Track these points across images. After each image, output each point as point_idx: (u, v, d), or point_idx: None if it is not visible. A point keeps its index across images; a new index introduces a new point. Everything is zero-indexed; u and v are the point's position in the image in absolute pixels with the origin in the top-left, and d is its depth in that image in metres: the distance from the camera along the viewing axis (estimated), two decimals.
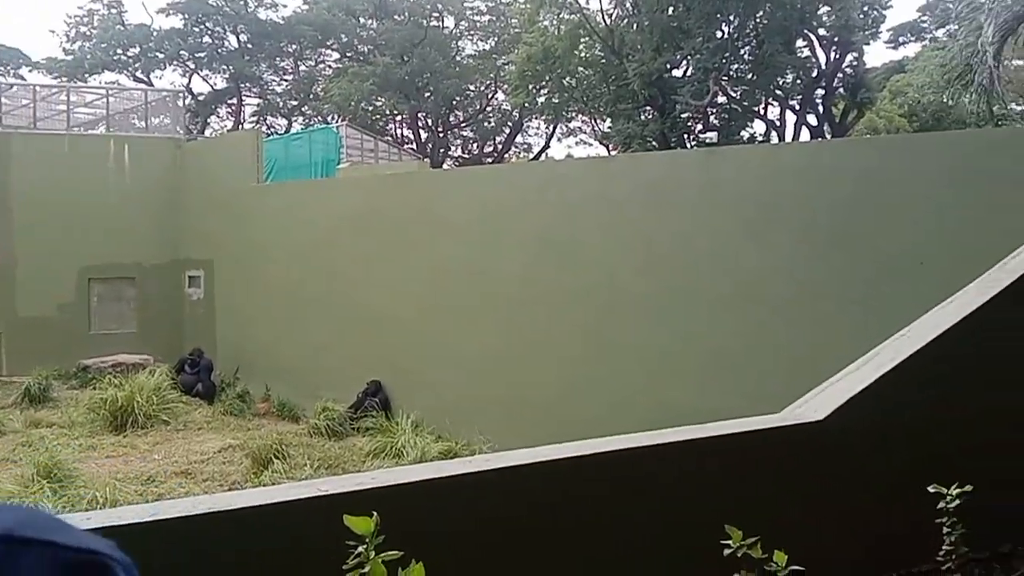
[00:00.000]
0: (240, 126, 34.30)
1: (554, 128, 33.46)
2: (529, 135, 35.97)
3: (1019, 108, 23.26)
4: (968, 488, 3.97)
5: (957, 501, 3.95)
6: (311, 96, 35.31)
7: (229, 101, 35.70)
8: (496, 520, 3.52)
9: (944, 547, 3.94)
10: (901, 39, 30.26)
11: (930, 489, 4.00)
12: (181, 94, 23.77)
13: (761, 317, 8.82)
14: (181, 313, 16.36)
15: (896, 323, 5.74)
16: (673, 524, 3.89)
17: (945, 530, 3.96)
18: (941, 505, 4.01)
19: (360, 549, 3.04)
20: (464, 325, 11.43)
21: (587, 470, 3.73)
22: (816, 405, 4.44)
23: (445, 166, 29.63)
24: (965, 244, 7.36)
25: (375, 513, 3.04)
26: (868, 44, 24.16)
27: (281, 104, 36.00)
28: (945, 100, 20.56)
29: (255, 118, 35.54)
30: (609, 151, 26.60)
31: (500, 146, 35.15)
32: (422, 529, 3.25)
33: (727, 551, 3.56)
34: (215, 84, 35.16)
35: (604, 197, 10.30)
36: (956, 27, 18.89)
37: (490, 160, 33.31)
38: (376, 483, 3.37)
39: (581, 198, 10.49)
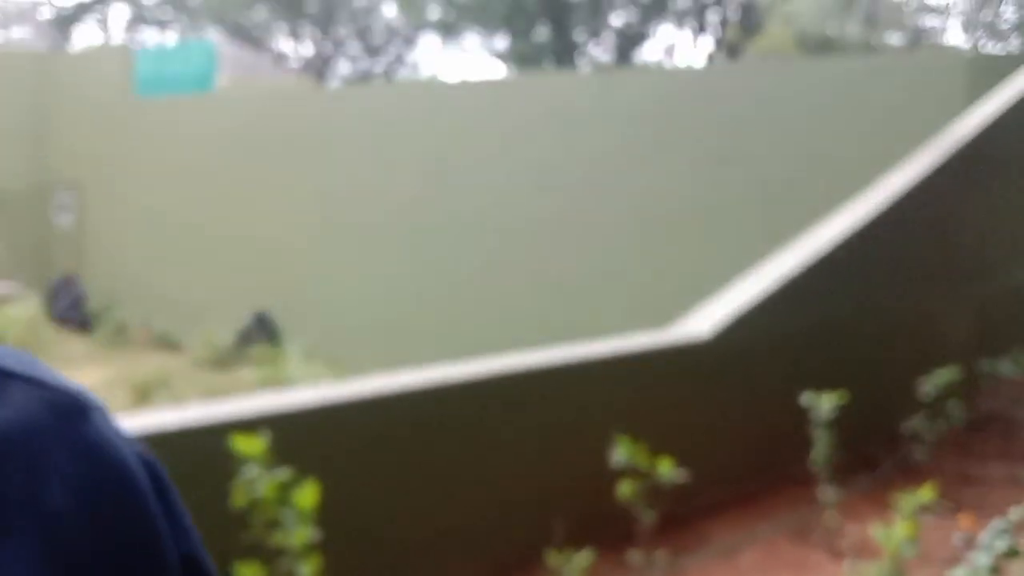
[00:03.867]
0: (109, 39, 32.18)
1: (445, 46, 32.64)
2: (419, 53, 35.02)
3: (895, 39, 23.99)
4: (838, 398, 4.11)
5: (828, 410, 4.10)
6: (185, 6, 33.32)
7: (97, 11, 33.35)
8: (386, 441, 3.41)
9: (815, 451, 4.11)
10: None
11: (801, 401, 4.15)
12: (43, 4, 22.07)
13: (652, 238, 8.90)
14: (50, 239, 15.41)
15: (779, 241, 5.84)
16: (564, 439, 3.87)
17: (815, 436, 4.13)
18: (813, 414, 4.16)
19: (249, 470, 2.90)
20: (355, 250, 11.13)
21: (478, 390, 3.66)
22: (703, 321, 4.48)
23: (331, 83, 28.64)
24: (845, 166, 7.54)
25: (265, 434, 2.90)
26: None
27: (153, 15, 33.87)
28: (829, 31, 21.00)
29: (126, 30, 33.38)
30: (503, 69, 26.20)
31: (389, 64, 34.13)
32: (313, 451, 3.12)
33: (616, 459, 3.60)
34: None
35: (499, 120, 10.09)
36: None
37: (380, 79, 32.33)
38: (265, 406, 3.21)
39: (476, 121, 10.25)
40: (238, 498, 2.82)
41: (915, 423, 4.80)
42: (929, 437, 4.77)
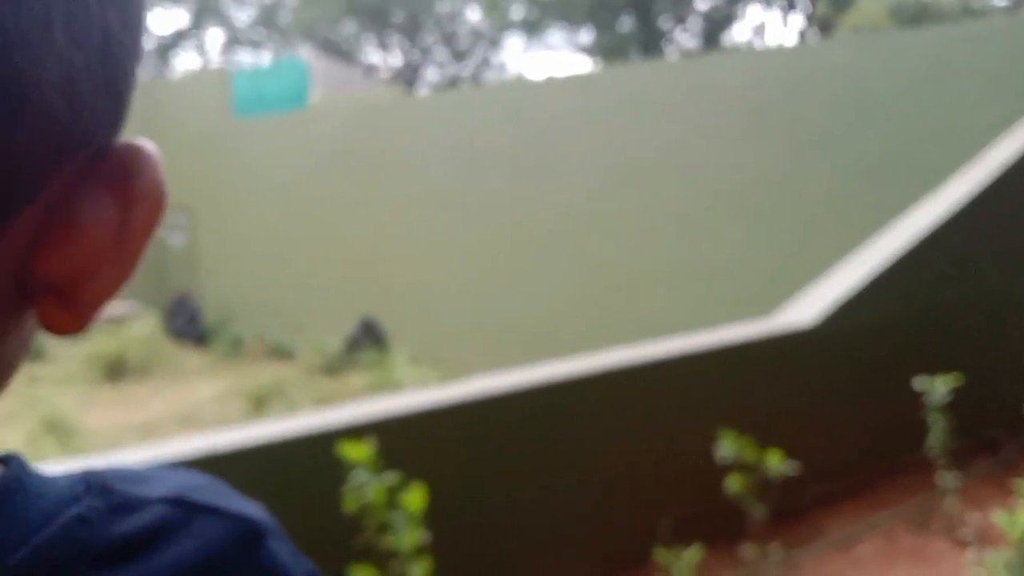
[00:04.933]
0: (207, 63, 33.47)
1: (530, 44, 32.70)
2: (505, 54, 35.24)
3: (997, 1, 22.83)
4: (954, 380, 3.94)
5: (943, 393, 3.93)
6: (276, 26, 34.36)
7: (194, 37, 34.73)
8: (491, 442, 3.46)
9: (929, 437, 3.95)
10: None
11: (913, 386, 3.99)
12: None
13: (750, 225, 8.72)
14: (165, 259, 16.14)
15: (879, 223, 5.65)
16: (668, 434, 3.83)
17: (931, 420, 3.97)
18: (927, 399, 3.99)
19: (358, 475, 2.99)
20: (453, 253, 11.29)
21: (581, 388, 3.66)
22: (806, 308, 4.37)
23: (420, 91, 29.07)
24: (945, 141, 7.22)
25: (372, 439, 2.99)
26: None
27: (247, 36, 35.06)
28: None
29: (221, 53, 34.67)
30: (590, 63, 26.10)
31: (476, 67, 34.45)
32: (420, 454, 3.19)
33: (721, 454, 3.54)
34: (177, 19, 34.17)
35: (585, 113, 10.06)
36: None
37: (467, 83, 32.66)
38: (371, 412, 3.29)
39: (562, 116, 10.25)
40: (349, 503, 2.90)
41: None
42: None
